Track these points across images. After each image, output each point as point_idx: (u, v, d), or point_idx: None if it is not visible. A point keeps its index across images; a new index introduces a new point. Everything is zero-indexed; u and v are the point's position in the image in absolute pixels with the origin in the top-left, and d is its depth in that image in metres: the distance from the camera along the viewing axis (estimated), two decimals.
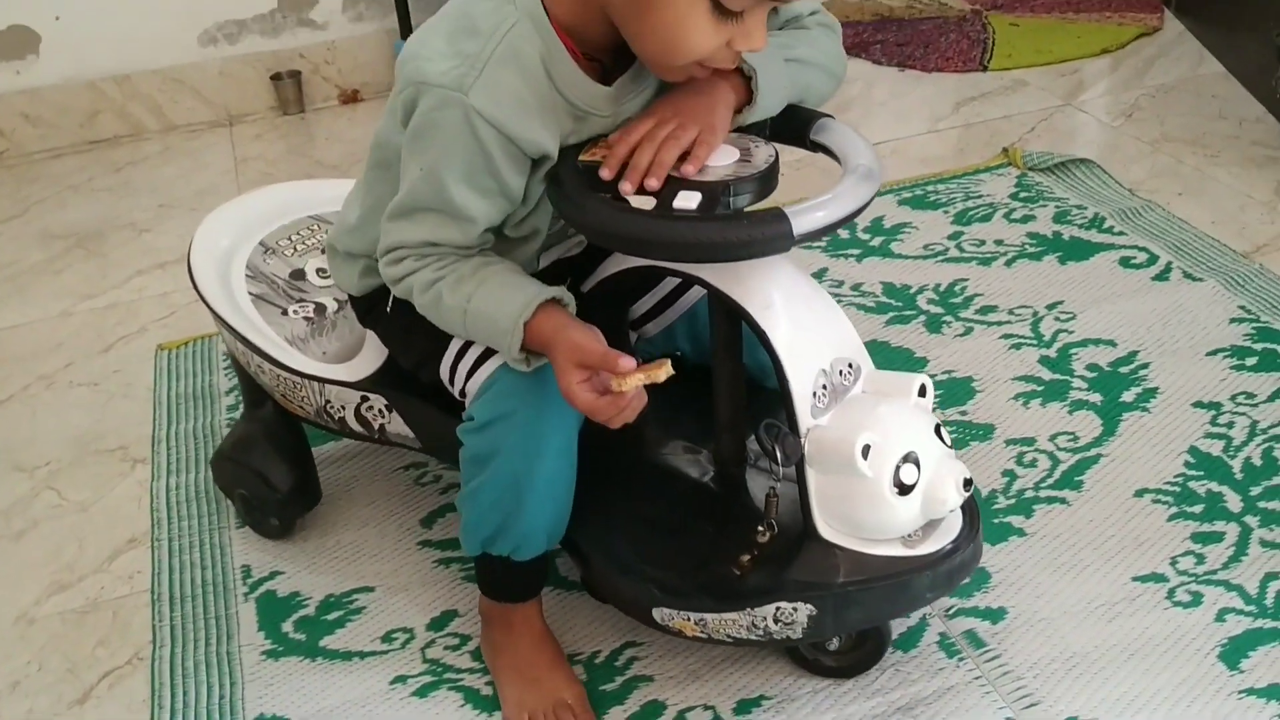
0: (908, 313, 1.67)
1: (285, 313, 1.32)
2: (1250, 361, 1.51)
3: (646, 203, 0.95)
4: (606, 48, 1.00)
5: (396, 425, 1.21)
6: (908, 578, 1.02)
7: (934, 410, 1.06)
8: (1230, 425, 1.41)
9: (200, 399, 1.63)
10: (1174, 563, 1.23)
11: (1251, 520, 1.27)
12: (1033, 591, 1.21)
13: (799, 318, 1.01)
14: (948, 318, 1.65)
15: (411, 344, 1.15)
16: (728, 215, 0.95)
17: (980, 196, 1.94)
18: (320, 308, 1.33)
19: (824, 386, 1.01)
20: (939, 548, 1.03)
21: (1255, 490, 1.31)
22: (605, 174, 0.97)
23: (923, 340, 1.61)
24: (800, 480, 1.02)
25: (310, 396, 1.25)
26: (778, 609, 1.02)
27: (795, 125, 1.07)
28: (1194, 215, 1.84)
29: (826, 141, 1.05)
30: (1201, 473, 1.34)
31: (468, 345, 1.09)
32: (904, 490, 0.99)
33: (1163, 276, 1.69)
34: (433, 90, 0.96)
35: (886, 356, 1.57)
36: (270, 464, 1.33)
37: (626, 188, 0.96)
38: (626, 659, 1.19)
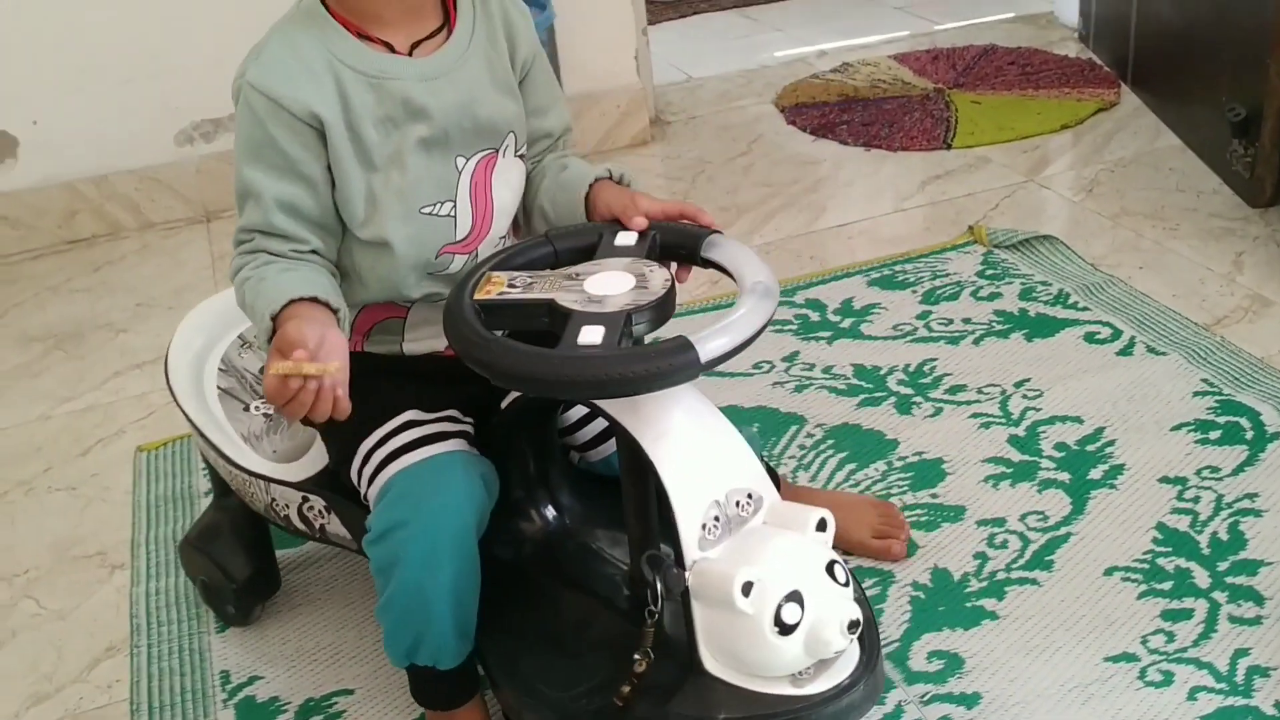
0: (878, 394, 1.69)
1: (247, 408, 1.35)
2: (1214, 435, 1.53)
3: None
4: (397, 18, 1.06)
5: (335, 526, 1.23)
6: (792, 717, 0.97)
7: (833, 545, 1.02)
8: (1196, 500, 1.43)
9: (179, 501, 1.63)
10: (1145, 641, 1.24)
11: (1219, 596, 1.29)
12: (1006, 675, 1.22)
13: (693, 447, 0.99)
14: (918, 398, 1.67)
15: (332, 443, 1.17)
16: (634, 351, 0.92)
17: (947, 275, 1.98)
18: None
19: (715, 518, 0.98)
20: (828, 687, 0.98)
21: (1222, 565, 1.33)
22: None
23: (893, 422, 1.63)
24: (686, 612, 0.99)
25: (259, 494, 1.29)
26: None
27: (685, 243, 1.07)
28: (1155, 289, 1.88)
29: (719, 259, 1.05)
30: (1169, 549, 1.36)
31: (373, 449, 1.10)
32: (785, 630, 0.95)
33: (1127, 351, 1.73)
34: (234, 91, 1.06)
35: (858, 440, 1.59)
36: (229, 554, 1.36)
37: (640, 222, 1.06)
38: None
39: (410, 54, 1.07)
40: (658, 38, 3.31)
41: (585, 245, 1.07)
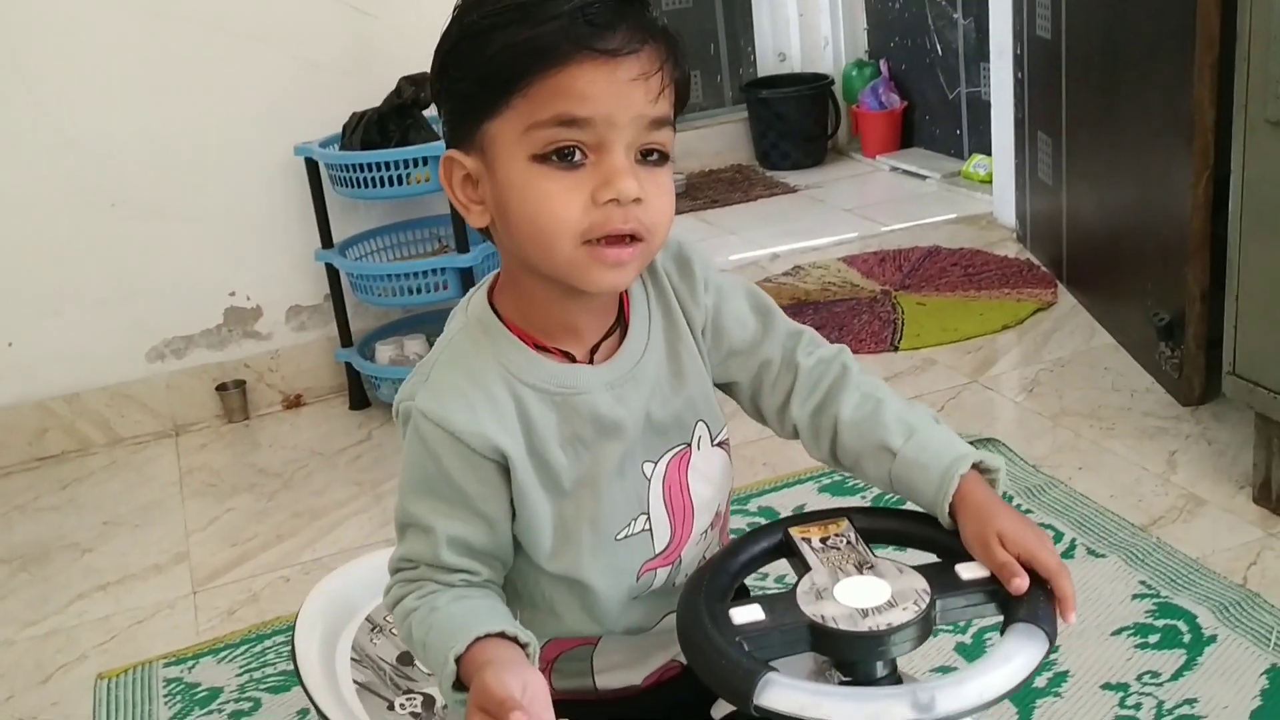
0: None
1: (392, 707, 1.19)
2: (1153, 639, 1.58)
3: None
4: (571, 322, 0.94)
5: None
6: None
7: None
8: (1138, 707, 1.46)
9: None
10: None
11: None
12: None
13: None
14: None
15: None
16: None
17: None
18: (429, 700, 1.20)
19: None
20: None
21: None
22: (1018, 585, 0.84)
23: None
24: None
25: None
26: None
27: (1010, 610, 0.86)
28: (1094, 489, 1.95)
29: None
30: None
31: None
32: None
33: (1068, 554, 1.78)
34: (396, 407, 0.94)
35: None
36: None
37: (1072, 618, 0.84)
38: None
39: (591, 361, 0.95)
40: None
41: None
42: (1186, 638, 1.57)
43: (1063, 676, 1.53)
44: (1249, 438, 1.88)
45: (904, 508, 0.96)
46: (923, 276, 2.97)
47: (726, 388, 1.03)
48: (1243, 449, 1.96)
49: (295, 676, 1.19)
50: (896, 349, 2.60)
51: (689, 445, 0.99)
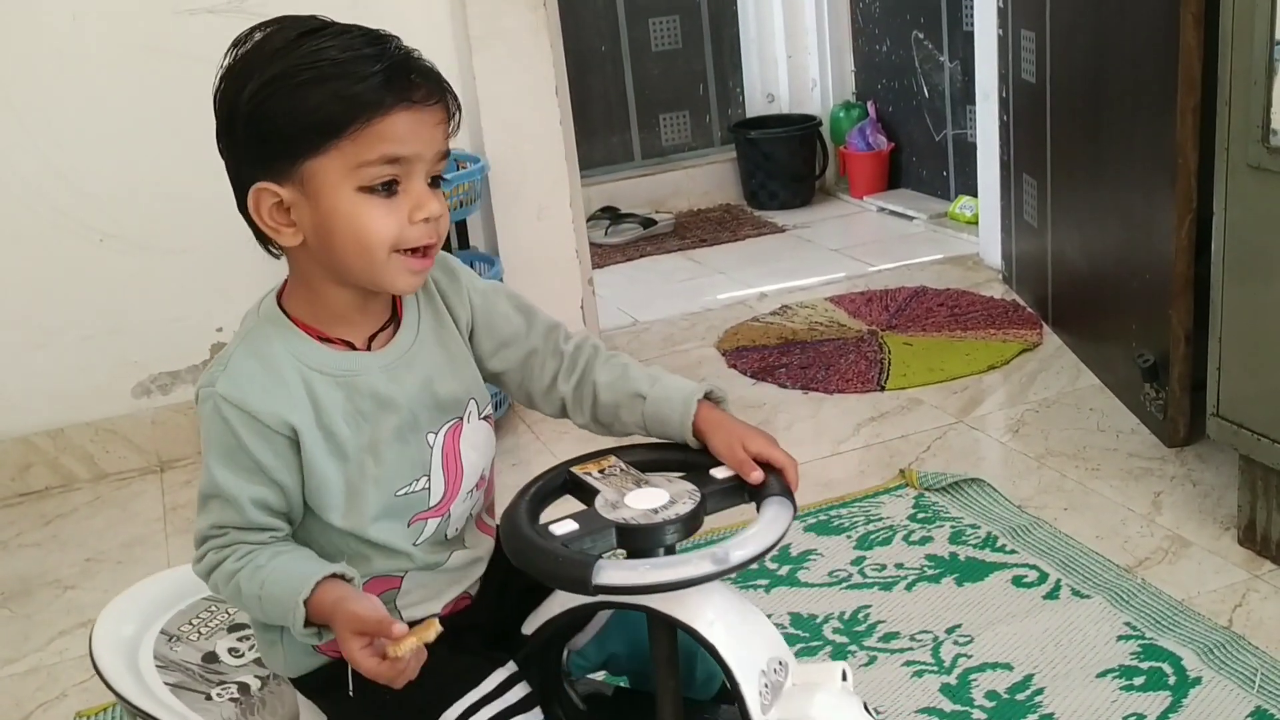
0: (814, 644, 1.72)
1: (209, 697, 1.32)
2: (1138, 681, 1.57)
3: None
4: (353, 316, 1.13)
5: None
6: None
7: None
8: None
9: None
10: None
11: None
12: None
13: (739, 626, 1.10)
14: (853, 647, 1.71)
15: (394, 712, 1.12)
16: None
17: (881, 519, 2.04)
18: (244, 686, 1.34)
19: (765, 685, 1.09)
20: None
21: None
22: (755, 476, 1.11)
23: None
24: None
25: None
26: None
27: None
28: (1079, 530, 1.95)
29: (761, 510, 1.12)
30: None
31: (469, 712, 1.11)
32: None
33: (1053, 595, 1.78)
34: (197, 394, 1.10)
35: None
36: None
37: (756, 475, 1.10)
38: None
39: (369, 348, 1.14)
40: (607, 281, 3.47)
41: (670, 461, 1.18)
42: (1171, 680, 1.57)
43: (1048, 719, 1.52)
44: (1234, 479, 1.89)
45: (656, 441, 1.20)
46: (909, 317, 2.99)
47: (496, 378, 1.24)
48: (1227, 491, 1.97)
49: (107, 687, 1.32)
50: (883, 389, 2.60)
51: (462, 419, 1.18)
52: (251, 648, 1.37)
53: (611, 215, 3.99)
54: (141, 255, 2.52)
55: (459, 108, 1.10)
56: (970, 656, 1.66)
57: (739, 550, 1.03)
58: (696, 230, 3.97)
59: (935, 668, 1.64)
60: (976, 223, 3.44)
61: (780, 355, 2.83)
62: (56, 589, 2.15)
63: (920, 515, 2.04)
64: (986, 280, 3.19)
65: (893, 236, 3.71)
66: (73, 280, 2.49)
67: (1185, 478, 2.08)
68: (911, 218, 3.81)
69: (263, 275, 2.76)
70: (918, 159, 3.97)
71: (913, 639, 1.71)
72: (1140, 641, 1.65)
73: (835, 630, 1.75)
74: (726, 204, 4.23)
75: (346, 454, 1.11)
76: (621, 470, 1.14)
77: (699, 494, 1.09)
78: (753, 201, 4.17)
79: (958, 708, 1.56)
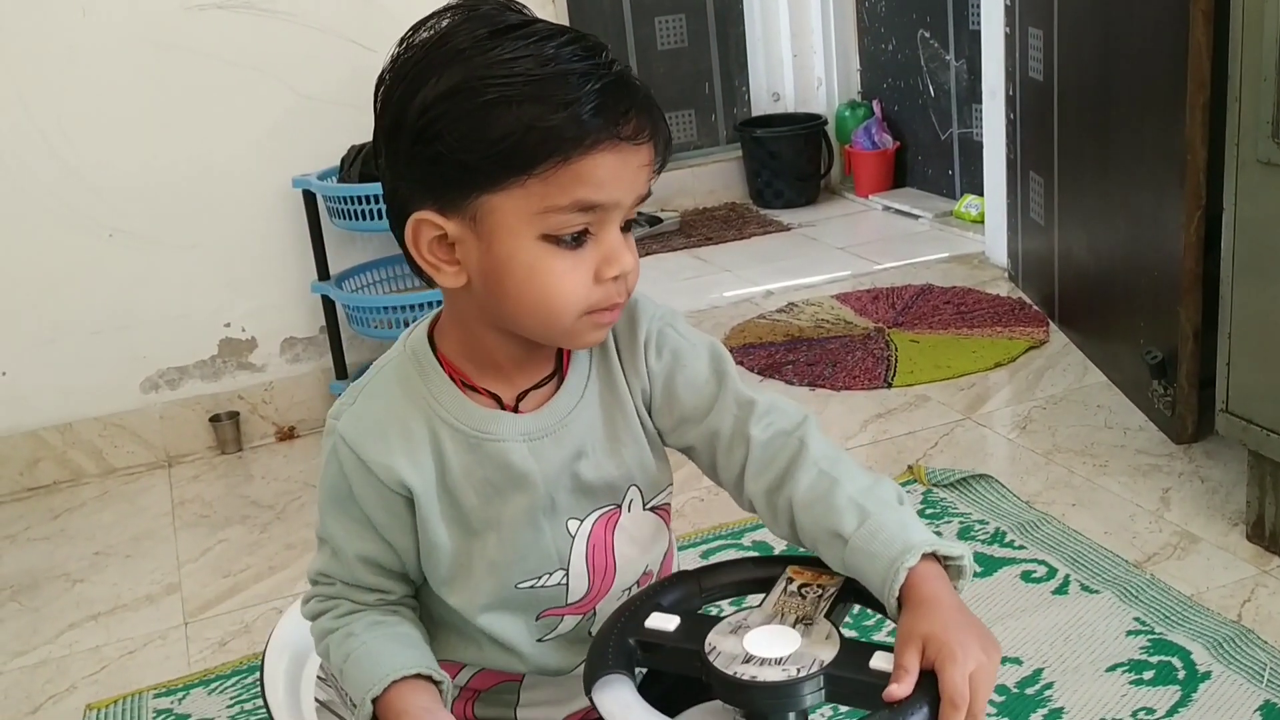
0: None
1: None
2: (1148, 675, 1.58)
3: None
4: (509, 367, 0.95)
5: None
6: None
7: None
8: None
9: None
10: None
11: None
12: None
13: None
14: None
15: None
16: None
17: None
18: None
19: None
20: None
21: None
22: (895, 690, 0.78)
23: None
24: None
25: None
26: None
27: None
28: (1088, 526, 1.95)
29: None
30: None
31: None
32: None
33: (1062, 590, 1.78)
34: (327, 419, 0.96)
35: None
36: None
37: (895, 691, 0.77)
38: None
39: (516, 408, 0.95)
40: None
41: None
42: (1181, 674, 1.57)
43: (1058, 713, 1.53)
44: (1242, 475, 1.89)
45: None
46: (916, 314, 2.99)
47: (687, 452, 1.01)
48: (1236, 486, 1.97)
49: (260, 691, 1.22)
50: (890, 385, 2.60)
51: (618, 507, 0.98)
52: None
53: None
54: (150, 250, 2.52)
55: (669, 144, 0.89)
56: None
57: None
58: (702, 228, 3.98)
59: None
60: (982, 221, 3.44)
61: (787, 352, 2.83)
62: (65, 583, 2.15)
63: (929, 511, 2.04)
64: (992, 278, 3.19)
65: (898, 235, 3.72)
66: (81, 275, 2.49)
67: (1193, 474, 2.08)
68: (917, 216, 3.82)
69: (271, 271, 2.78)
70: (923, 157, 3.98)
71: None
72: (1150, 636, 1.65)
73: (845, 626, 1.75)
74: (732, 202, 4.24)
75: (471, 526, 0.94)
76: (818, 597, 0.87)
77: (820, 668, 0.80)
78: (758, 200, 4.17)
79: None
